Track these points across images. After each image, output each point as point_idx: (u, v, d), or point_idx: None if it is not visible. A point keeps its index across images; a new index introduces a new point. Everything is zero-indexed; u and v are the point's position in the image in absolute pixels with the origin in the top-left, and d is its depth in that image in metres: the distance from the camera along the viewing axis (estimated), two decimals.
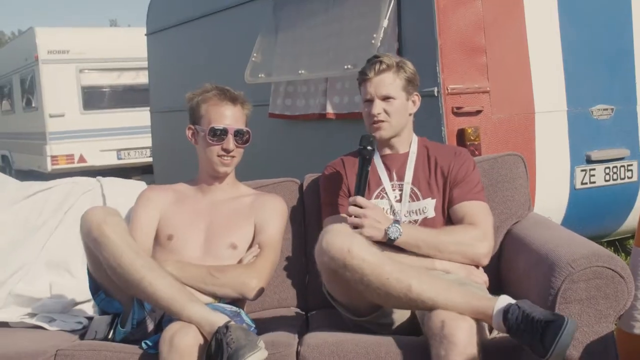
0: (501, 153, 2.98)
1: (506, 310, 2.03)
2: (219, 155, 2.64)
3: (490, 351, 2.13)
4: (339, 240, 2.17)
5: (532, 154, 3.66)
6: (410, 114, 2.67)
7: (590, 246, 2.29)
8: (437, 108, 3.55)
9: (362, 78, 2.65)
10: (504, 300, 2.09)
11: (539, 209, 3.11)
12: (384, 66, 2.60)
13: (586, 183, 3.86)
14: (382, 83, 2.60)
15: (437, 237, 2.48)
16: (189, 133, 2.71)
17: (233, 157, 2.66)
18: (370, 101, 2.62)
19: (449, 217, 2.60)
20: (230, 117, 2.65)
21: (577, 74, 3.82)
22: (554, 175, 3.78)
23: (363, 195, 2.50)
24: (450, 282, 2.24)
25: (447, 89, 3.53)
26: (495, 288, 2.63)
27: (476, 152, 3.48)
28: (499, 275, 2.74)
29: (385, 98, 2.60)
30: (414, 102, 2.67)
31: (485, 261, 2.52)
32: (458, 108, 3.54)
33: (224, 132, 2.63)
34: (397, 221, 2.48)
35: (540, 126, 3.72)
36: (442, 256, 2.46)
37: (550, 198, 3.72)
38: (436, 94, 3.54)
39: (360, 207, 2.45)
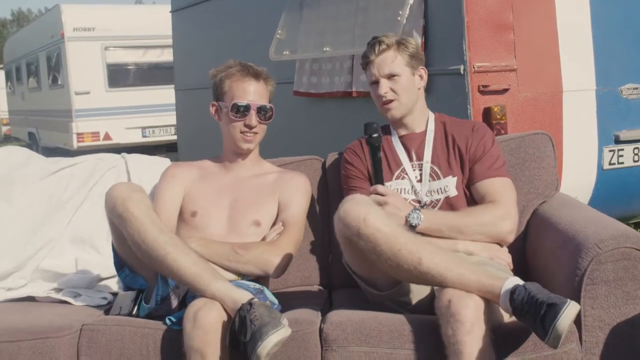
0: (528, 132, 2.94)
1: (513, 291, 2.02)
2: (241, 132, 2.64)
3: (506, 332, 2.12)
4: (356, 209, 2.18)
5: (560, 133, 3.60)
6: (419, 89, 2.66)
7: (619, 227, 2.26)
8: (463, 86, 3.50)
9: (365, 61, 2.65)
10: (513, 281, 2.07)
11: (565, 189, 3.07)
12: (383, 46, 2.60)
13: (614, 163, 3.81)
14: (384, 62, 2.60)
15: (459, 219, 2.46)
16: (212, 109, 2.71)
17: (256, 133, 2.65)
18: (376, 82, 2.63)
19: (471, 194, 2.58)
20: (253, 93, 2.64)
21: (606, 52, 3.74)
22: (582, 155, 3.73)
23: (381, 183, 2.50)
24: (463, 259, 2.24)
25: (474, 67, 3.48)
26: (521, 268, 2.62)
27: (502, 131, 3.44)
28: (525, 256, 2.72)
29: (390, 76, 2.60)
30: (420, 76, 2.66)
31: (511, 238, 2.50)
32: (484, 86, 3.49)
33: (247, 108, 2.62)
34: (417, 208, 2.46)
35: (568, 105, 3.66)
36: (465, 238, 2.45)
37: (578, 178, 3.67)
38: (462, 72, 3.49)
39: (381, 195, 2.45)
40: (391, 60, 2.59)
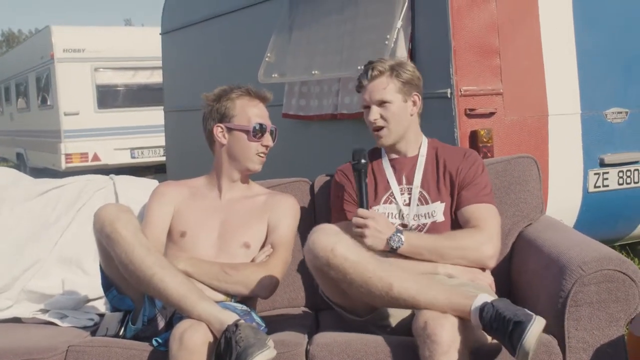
0: (514, 155, 2.97)
1: (482, 309, 2.04)
2: (257, 153, 2.67)
3: (484, 351, 2.13)
4: (324, 238, 2.20)
5: (545, 156, 3.64)
6: (411, 115, 2.66)
7: (602, 249, 2.28)
8: (450, 109, 3.54)
9: (358, 86, 2.67)
10: (482, 298, 2.09)
11: (551, 211, 3.10)
12: (376, 72, 2.61)
13: (599, 186, 3.84)
14: (375, 89, 2.61)
15: (440, 243, 2.47)
16: (217, 131, 2.71)
17: (266, 153, 2.70)
18: (367, 107, 2.64)
19: (457, 220, 2.59)
20: (264, 114, 2.71)
21: (591, 76, 3.79)
22: (567, 178, 3.76)
23: (367, 207, 2.50)
24: (433, 281, 2.25)
25: (460, 91, 3.52)
26: (506, 290, 2.64)
27: (489, 154, 3.47)
28: (510, 278, 2.74)
29: (381, 103, 2.60)
30: (414, 102, 2.65)
31: (491, 264, 2.51)
32: (471, 110, 3.53)
33: (264, 129, 2.66)
34: (400, 230, 2.47)
35: (554, 129, 3.70)
36: (446, 261, 2.46)
37: (563, 201, 3.70)
38: (449, 96, 3.53)
39: (363, 218, 2.46)
40: (383, 87, 2.59)
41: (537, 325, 1.94)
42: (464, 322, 2.08)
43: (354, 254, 2.17)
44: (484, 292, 2.35)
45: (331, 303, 2.43)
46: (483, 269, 2.52)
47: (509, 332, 1.95)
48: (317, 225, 2.31)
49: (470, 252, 2.47)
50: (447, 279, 2.41)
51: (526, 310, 2.02)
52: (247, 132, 2.65)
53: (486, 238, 2.48)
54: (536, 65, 3.69)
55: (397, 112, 2.61)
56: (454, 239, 2.49)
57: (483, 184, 2.59)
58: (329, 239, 2.19)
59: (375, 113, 2.60)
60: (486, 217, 2.53)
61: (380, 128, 2.62)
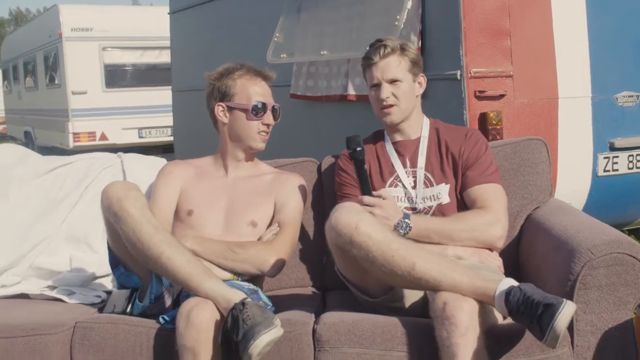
0: (524, 137, 2.95)
1: (508, 292, 2.03)
2: (259, 131, 2.66)
3: (499, 335, 2.12)
4: (347, 216, 2.18)
5: (555, 139, 3.62)
6: (417, 96, 2.65)
7: (612, 232, 2.27)
8: (460, 91, 3.52)
9: (367, 63, 2.63)
10: (507, 282, 2.08)
11: (559, 195, 3.08)
12: (388, 50, 2.58)
13: (609, 170, 3.82)
14: (388, 66, 2.58)
15: (449, 225, 2.46)
16: (217, 110, 2.70)
17: (269, 132, 2.68)
18: (377, 85, 2.61)
19: (463, 201, 2.58)
20: (266, 93, 2.69)
21: (602, 60, 3.76)
22: (576, 161, 3.74)
23: (369, 194, 2.48)
24: (456, 263, 2.24)
25: (470, 73, 3.49)
26: (514, 273, 2.62)
27: (498, 137, 3.45)
28: (518, 260, 2.73)
29: (393, 81, 2.59)
30: (420, 83, 2.65)
31: (500, 244, 2.51)
32: (480, 92, 3.50)
33: (265, 107, 2.65)
34: (407, 215, 2.46)
35: (564, 112, 3.67)
36: (454, 243, 2.46)
37: (572, 185, 3.68)
38: (459, 77, 3.51)
39: (368, 206, 2.43)
40: (395, 65, 2.58)
41: (568, 308, 1.92)
42: (482, 306, 2.08)
43: (377, 232, 2.16)
44: (495, 274, 2.35)
45: (346, 282, 2.43)
46: (491, 250, 2.52)
47: (538, 315, 1.93)
48: (339, 203, 2.31)
49: (479, 233, 2.46)
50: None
51: (555, 295, 1.99)
52: (246, 110, 2.65)
53: (494, 218, 2.47)
54: (547, 47, 3.66)
55: (407, 92, 2.60)
56: (463, 221, 2.48)
57: (487, 163, 2.58)
58: (353, 216, 2.18)
59: (387, 91, 2.58)
60: (492, 197, 2.52)
61: (390, 106, 2.60)
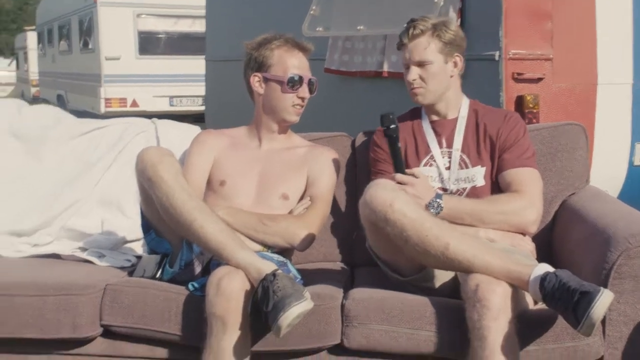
0: (562, 122, 2.91)
1: (543, 278, 2.00)
2: (293, 105, 2.64)
3: (529, 321, 2.11)
4: (383, 194, 2.17)
5: (592, 126, 3.54)
6: (451, 77, 2.60)
7: None
8: (497, 73, 3.46)
9: (399, 44, 2.61)
10: (543, 267, 2.06)
11: (594, 182, 3.04)
12: (417, 31, 2.54)
13: None
14: (416, 48, 2.55)
15: (481, 207, 2.44)
16: (253, 80, 2.69)
17: (303, 105, 2.66)
18: (407, 67, 2.59)
19: (498, 184, 2.55)
20: (303, 65, 2.66)
21: None
22: (613, 149, 3.67)
23: (402, 171, 2.47)
24: (490, 246, 2.22)
25: (509, 54, 3.44)
26: (547, 259, 2.58)
27: (534, 120, 3.39)
28: (551, 247, 2.70)
29: (421, 63, 2.55)
30: (454, 63, 2.59)
31: (533, 229, 2.48)
32: (519, 74, 3.44)
33: (301, 80, 2.62)
34: (439, 194, 2.44)
35: (602, 98, 3.60)
36: (486, 226, 2.43)
37: (607, 172, 3.62)
38: (497, 59, 3.45)
39: (401, 184, 2.42)
40: (423, 47, 2.54)
41: (606, 297, 1.89)
42: (515, 289, 2.06)
43: (412, 211, 2.14)
44: (528, 259, 2.33)
45: (377, 259, 2.42)
46: (523, 234, 2.49)
47: (574, 302, 1.90)
48: (374, 180, 2.29)
49: (512, 217, 2.43)
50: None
51: (592, 283, 1.97)
52: (281, 82, 2.62)
53: (528, 203, 2.44)
54: (589, 31, 3.58)
55: (437, 73, 2.56)
56: (496, 204, 2.46)
57: (525, 147, 2.54)
58: (388, 194, 2.16)
59: (414, 73, 2.56)
60: (528, 181, 2.48)
61: (418, 88, 2.58)
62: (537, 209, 2.46)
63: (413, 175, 2.47)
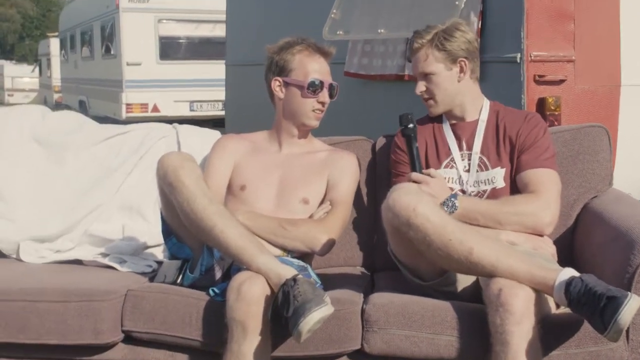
0: (584, 124, 2.89)
1: (569, 283, 1.98)
2: (313, 109, 2.64)
3: (551, 325, 2.09)
4: (406, 198, 2.16)
5: (615, 128, 3.51)
6: (459, 81, 2.59)
7: None
8: (519, 75, 3.43)
9: (407, 59, 2.68)
10: (568, 272, 2.04)
11: (617, 185, 3.00)
12: (417, 45, 2.58)
13: None
14: (417, 62, 2.60)
15: (496, 208, 2.42)
16: (274, 85, 2.69)
17: (323, 110, 2.66)
18: (416, 80, 2.63)
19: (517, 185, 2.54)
20: (324, 70, 2.66)
21: None
22: (636, 152, 3.63)
23: (419, 171, 2.49)
24: (514, 250, 2.20)
25: (531, 56, 3.41)
26: (568, 262, 2.56)
27: (555, 123, 3.36)
28: (573, 250, 2.68)
29: (424, 75, 2.58)
30: (460, 68, 2.58)
31: (548, 230, 2.45)
32: (540, 76, 3.41)
33: (321, 85, 2.63)
34: (455, 194, 2.44)
35: (626, 100, 3.56)
36: (502, 227, 2.41)
37: (631, 175, 3.57)
38: (518, 61, 3.43)
39: (417, 182, 2.43)
40: (423, 60, 2.57)
41: (634, 301, 1.86)
42: (538, 294, 2.04)
43: (435, 215, 2.13)
44: (550, 263, 2.31)
45: (398, 263, 2.41)
46: (541, 236, 2.47)
47: (601, 307, 1.88)
48: (397, 184, 2.29)
49: (527, 218, 2.41)
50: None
51: (619, 288, 1.94)
52: (302, 87, 2.63)
53: (544, 204, 2.42)
54: (612, 33, 3.54)
55: (441, 82, 2.58)
56: (511, 204, 2.44)
57: (544, 148, 2.52)
58: (412, 197, 2.16)
59: (420, 86, 2.60)
60: (545, 182, 2.46)
61: (428, 99, 2.60)
62: (552, 211, 2.43)
63: (429, 174, 2.48)
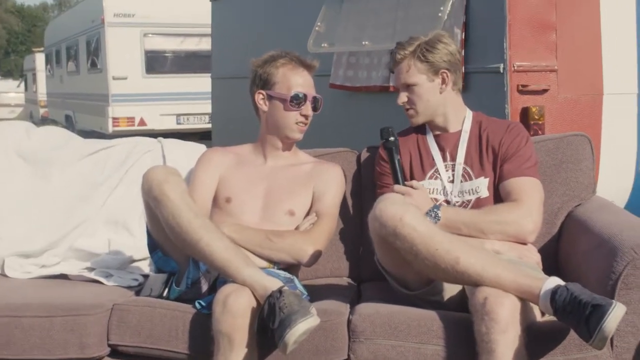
0: (567, 133, 2.91)
1: (554, 292, 1.99)
2: (297, 122, 2.65)
3: (536, 333, 2.09)
4: (392, 208, 2.17)
5: (598, 136, 3.54)
6: (441, 93, 2.61)
7: None
8: (502, 85, 3.46)
9: (389, 70, 2.69)
10: (553, 281, 2.05)
11: (600, 192, 3.02)
12: (399, 56, 2.60)
13: None
14: (399, 73, 2.62)
15: (479, 217, 2.44)
16: (258, 98, 2.70)
17: (307, 123, 2.67)
18: (399, 91, 2.65)
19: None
20: (307, 83, 2.67)
21: None
22: (619, 159, 3.65)
23: (402, 183, 2.51)
24: (499, 259, 2.21)
25: (514, 66, 3.43)
26: (553, 270, 2.58)
27: (539, 132, 3.38)
28: (557, 258, 2.69)
29: (406, 86, 2.60)
30: (442, 80, 2.60)
31: (531, 238, 2.47)
32: (523, 86, 3.44)
33: (304, 98, 2.64)
34: (437, 205, 2.46)
35: (608, 108, 3.59)
36: (485, 236, 2.42)
37: (614, 182, 3.60)
38: (502, 71, 3.45)
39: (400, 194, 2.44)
40: (405, 71, 2.59)
41: (618, 310, 1.88)
42: (523, 302, 2.05)
43: (422, 225, 2.15)
44: (534, 271, 2.32)
45: (385, 273, 2.41)
46: (525, 244, 2.48)
47: (586, 316, 1.89)
48: (383, 195, 2.31)
49: (509, 227, 2.42)
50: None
51: (603, 296, 1.96)
52: (285, 100, 2.64)
53: (526, 212, 2.43)
54: (593, 42, 3.58)
55: (424, 93, 2.60)
56: (493, 213, 2.45)
57: (526, 157, 2.54)
58: (398, 208, 2.17)
59: (402, 96, 2.62)
60: (528, 190, 2.47)
61: (409, 109, 2.63)
62: (534, 219, 2.44)
63: (411, 186, 2.50)
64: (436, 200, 2.57)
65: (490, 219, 2.43)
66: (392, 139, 2.55)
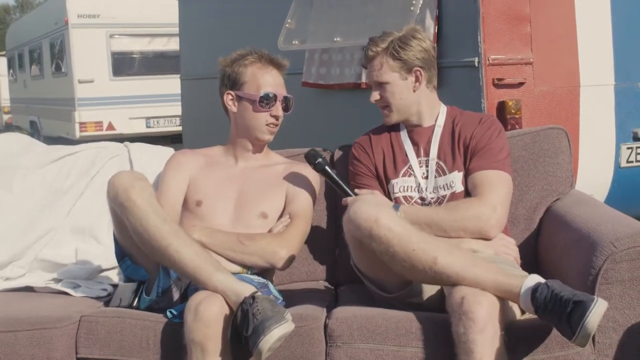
0: (544, 126, 2.88)
1: (535, 289, 1.96)
2: (267, 123, 2.58)
3: (518, 332, 2.07)
4: (367, 209, 2.12)
5: (576, 129, 3.52)
6: (414, 91, 2.55)
7: (635, 226, 2.20)
8: (477, 79, 3.42)
9: (362, 66, 2.65)
10: (534, 279, 2.01)
11: (580, 186, 3.00)
12: (372, 52, 2.55)
13: (632, 161, 3.71)
14: (371, 70, 2.57)
15: (439, 216, 2.38)
16: (227, 99, 2.63)
17: (277, 124, 2.60)
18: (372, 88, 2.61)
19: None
20: (277, 82, 2.60)
21: (626, 46, 3.64)
22: (598, 152, 3.64)
23: (350, 194, 2.49)
24: (478, 258, 2.17)
25: (488, 60, 3.40)
26: (532, 266, 2.56)
27: (517, 126, 3.36)
28: (536, 253, 2.66)
29: (379, 84, 2.55)
30: (416, 77, 2.54)
31: (493, 233, 2.39)
32: (499, 79, 3.41)
33: (274, 98, 2.56)
34: (396, 205, 2.42)
35: (585, 100, 3.57)
36: (447, 234, 2.36)
37: (593, 176, 3.59)
38: (476, 65, 3.41)
39: None
40: (378, 69, 2.54)
41: (600, 306, 1.85)
42: (501, 301, 2.01)
43: (398, 225, 2.10)
44: (513, 268, 2.28)
45: (362, 276, 2.36)
46: (487, 239, 2.40)
47: (567, 313, 1.86)
48: (357, 195, 2.27)
49: (469, 222, 2.36)
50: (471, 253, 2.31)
51: (584, 293, 1.93)
52: (254, 101, 2.57)
53: (487, 206, 2.37)
54: (569, 34, 3.55)
55: (397, 91, 2.55)
56: (453, 210, 2.40)
57: (497, 149, 2.49)
58: (372, 209, 2.12)
59: (375, 95, 2.57)
60: (493, 183, 2.42)
61: (383, 107, 2.58)
62: (498, 213, 2.38)
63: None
64: (411, 198, 2.52)
65: (450, 216, 2.37)
66: (319, 160, 2.54)
